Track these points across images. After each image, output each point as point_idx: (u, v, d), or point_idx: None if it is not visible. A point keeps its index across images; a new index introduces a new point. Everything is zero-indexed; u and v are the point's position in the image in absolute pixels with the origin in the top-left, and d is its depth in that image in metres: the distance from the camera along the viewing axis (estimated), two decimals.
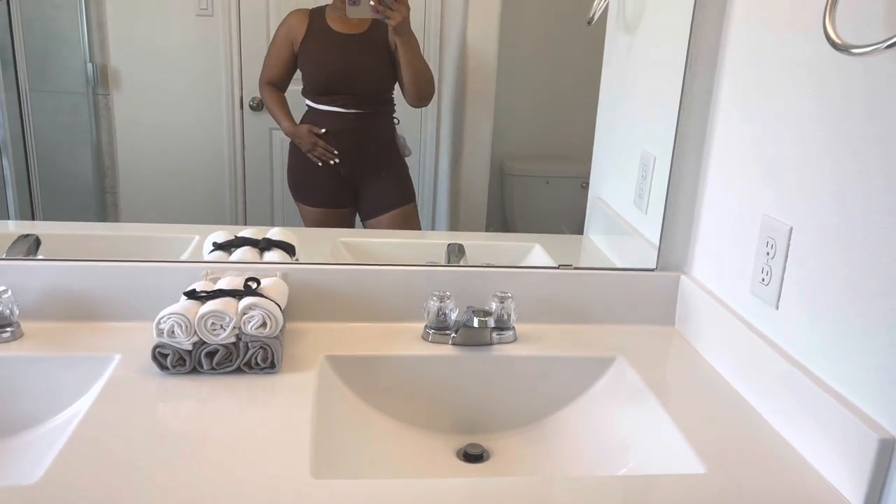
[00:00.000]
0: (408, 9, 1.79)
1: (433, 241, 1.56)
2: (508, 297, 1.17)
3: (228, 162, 2.49)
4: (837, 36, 0.65)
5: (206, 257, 1.26)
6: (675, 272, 1.22)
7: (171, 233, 1.60)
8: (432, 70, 2.00)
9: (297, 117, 2.14)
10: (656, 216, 1.20)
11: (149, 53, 2.37)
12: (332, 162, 2.00)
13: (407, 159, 2.14)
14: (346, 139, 2.01)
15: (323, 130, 1.98)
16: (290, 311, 1.21)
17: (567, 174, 2.65)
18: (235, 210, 2.57)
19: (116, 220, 2.55)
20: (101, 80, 2.40)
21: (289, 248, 1.33)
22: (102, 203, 2.53)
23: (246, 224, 2.64)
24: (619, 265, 1.33)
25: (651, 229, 1.22)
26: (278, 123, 2.06)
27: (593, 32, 1.50)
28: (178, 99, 2.41)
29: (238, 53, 2.39)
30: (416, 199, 2.13)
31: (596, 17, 1.33)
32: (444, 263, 1.36)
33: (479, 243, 1.56)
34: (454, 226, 2.46)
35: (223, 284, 1.13)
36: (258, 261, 1.29)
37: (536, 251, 1.48)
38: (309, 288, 1.25)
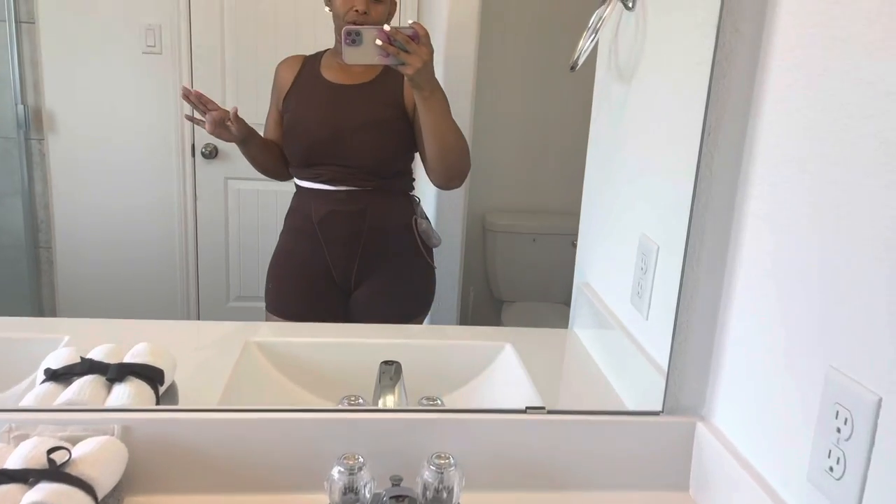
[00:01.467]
0: (430, 51, 1.25)
1: (371, 342, 1.23)
2: (451, 466, 0.76)
3: (178, 214, 2.24)
4: None
5: (35, 390, 0.87)
6: (688, 417, 0.88)
7: (26, 331, 1.24)
8: None
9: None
10: (660, 326, 0.89)
11: (89, 95, 2.13)
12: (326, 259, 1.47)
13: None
14: (334, 226, 1.46)
15: None
16: (137, 480, 0.78)
17: (556, 231, 2.41)
18: (186, 269, 2.32)
19: (52, 278, 2.29)
20: (34, 124, 2.16)
21: (152, 377, 0.88)
22: (35, 259, 2.28)
23: (198, 283, 2.39)
24: (614, 383, 1.01)
25: (654, 342, 0.92)
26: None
27: (584, 77, 1.21)
28: (122, 145, 2.16)
29: None
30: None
31: (580, 62, 1.06)
32: (361, 405, 0.94)
33: (433, 343, 1.24)
34: None
35: (24, 451, 0.70)
36: (88, 407, 0.81)
37: (506, 355, 1.17)
38: (167, 447, 0.80)
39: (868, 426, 0.57)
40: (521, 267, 2.41)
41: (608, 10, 1.06)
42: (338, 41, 1.43)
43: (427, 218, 1.58)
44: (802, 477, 0.66)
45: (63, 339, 1.08)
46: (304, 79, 1.46)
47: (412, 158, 1.51)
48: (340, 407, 0.87)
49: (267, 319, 1.53)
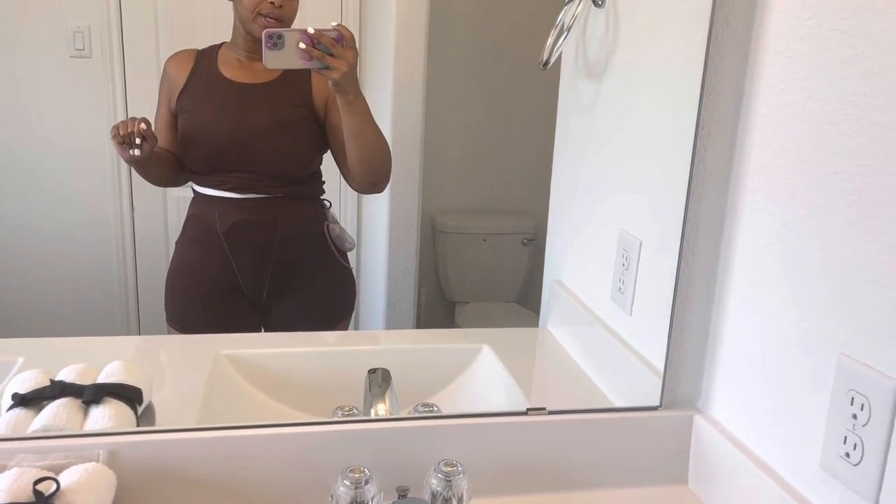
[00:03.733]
0: (355, 54, 1.21)
1: (345, 350, 1.19)
2: (459, 474, 0.73)
3: (115, 227, 2.14)
4: None
5: (4, 417, 0.77)
6: (686, 410, 0.87)
7: None
8: None
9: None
10: (646, 321, 0.90)
11: (13, 102, 2.00)
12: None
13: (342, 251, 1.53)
14: (243, 237, 1.37)
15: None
16: None
17: (506, 230, 2.41)
18: (125, 281, 2.21)
19: None
20: None
21: (131, 397, 0.82)
22: None
23: (138, 296, 2.29)
24: (596, 380, 1.01)
25: (640, 337, 0.93)
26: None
27: (537, 71, 1.20)
28: (52, 154, 2.05)
29: (123, 100, 2.05)
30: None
31: (552, 60, 1.06)
32: (356, 415, 0.92)
33: (412, 347, 1.21)
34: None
35: (6, 484, 0.65)
36: (68, 432, 0.75)
37: (485, 356, 1.15)
38: (157, 470, 0.75)
39: (887, 411, 0.58)
40: (472, 267, 2.41)
41: (579, 7, 1.06)
42: (240, 36, 1.35)
43: (337, 221, 1.50)
44: (815, 464, 0.67)
45: (17, 361, 1.01)
46: (201, 76, 1.37)
47: (322, 160, 1.44)
48: (337, 419, 0.84)
49: (168, 332, 1.43)
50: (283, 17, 1.30)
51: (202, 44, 1.50)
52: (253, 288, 1.40)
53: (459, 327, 2.27)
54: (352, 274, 1.56)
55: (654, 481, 0.86)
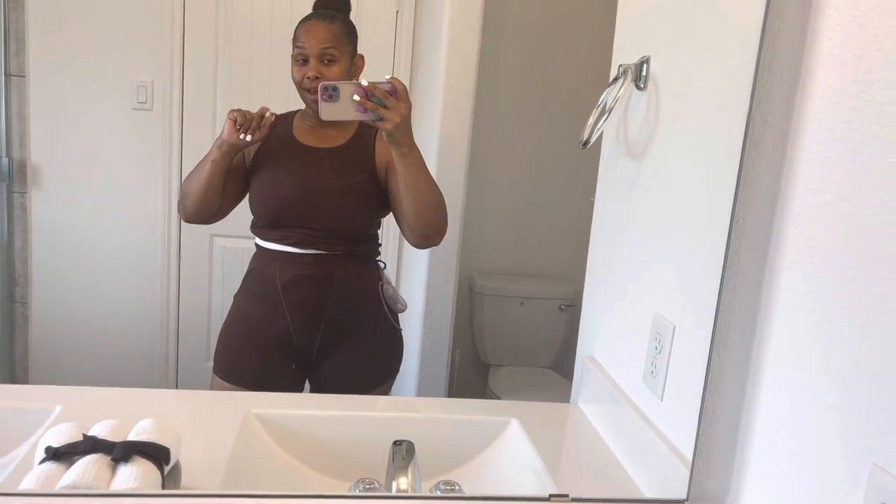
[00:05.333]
0: (408, 106, 1.22)
1: (373, 416, 1.18)
2: None
3: (161, 271, 2.20)
4: None
5: (35, 471, 0.81)
6: None
7: (13, 399, 1.16)
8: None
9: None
10: (678, 408, 0.88)
11: (76, 149, 2.10)
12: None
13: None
14: (300, 292, 1.40)
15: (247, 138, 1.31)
16: None
17: (544, 295, 2.42)
18: (167, 327, 2.26)
19: (26, 334, 2.22)
20: (17, 177, 2.12)
21: (159, 456, 0.83)
22: (10, 314, 2.21)
23: (178, 342, 2.34)
24: (625, 465, 0.99)
25: (672, 424, 0.91)
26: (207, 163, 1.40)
27: (575, 147, 1.21)
28: (107, 200, 2.13)
29: (179, 151, 2.14)
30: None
31: (592, 140, 1.07)
32: (376, 489, 0.89)
33: (438, 417, 1.20)
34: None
35: None
36: (94, 491, 0.75)
37: (513, 430, 1.14)
38: None
39: None
40: (508, 330, 2.41)
41: (622, 90, 1.07)
42: (308, 106, 1.40)
43: (391, 283, 1.52)
44: None
45: (55, 410, 1.04)
46: (276, 138, 1.41)
47: (380, 224, 1.48)
48: (358, 493, 0.84)
49: (212, 382, 1.45)
50: None
51: (260, 100, 1.57)
52: (304, 343, 1.43)
53: (492, 391, 2.26)
54: (401, 335, 1.56)
55: None
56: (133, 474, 0.79)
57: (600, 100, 1.09)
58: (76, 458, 0.80)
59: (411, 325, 2.05)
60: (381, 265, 1.50)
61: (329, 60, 1.35)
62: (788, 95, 0.74)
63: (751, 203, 0.78)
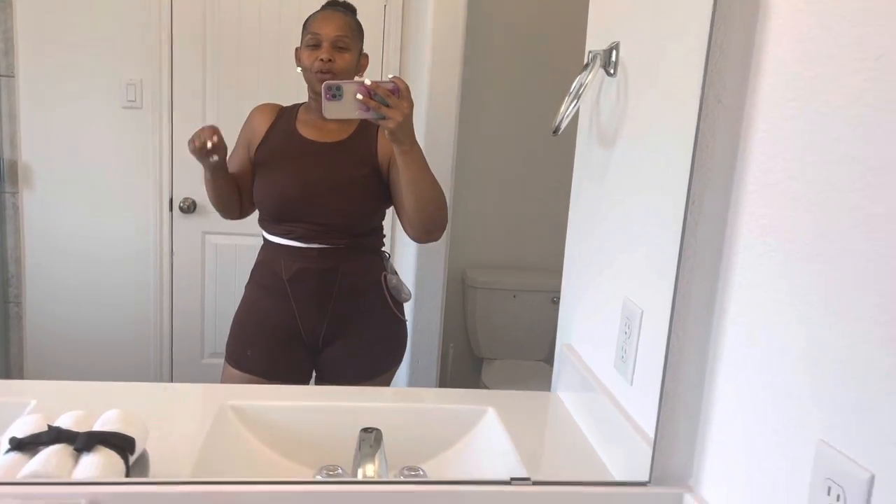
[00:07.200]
0: (410, 105, 1.26)
1: (349, 405, 1.18)
2: None
3: (154, 269, 2.21)
4: None
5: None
6: (676, 487, 0.85)
7: None
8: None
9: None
10: (646, 392, 0.88)
11: (66, 149, 2.11)
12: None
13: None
14: (305, 284, 1.43)
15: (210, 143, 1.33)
16: None
17: (536, 287, 2.41)
18: (160, 324, 2.27)
19: (20, 333, 2.24)
20: (8, 177, 2.14)
21: (123, 445, 0.83)
22: (4, 314, 2.23)
23: (172, 339, 2.35)
24: (599, 450, 0.99)
25: (639, 408, 0.91)
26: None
27: (564, 138, 1.21)
28: (100, 199, 2.14)
29: (169, 149, 2.15)
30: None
31: (562, 126, 1.07)
32: (340, 475, 0.90)
33: (413, 406, 1.20)
34: None
35: None
36: (55, 479, 0.75)
37: (488, 420, 1.14)
38: None
39: (861, 502, 0.56)
40: (501, 324, 2.40)
41: (590, 76, 1.07)
42: (311, 97, 1.43)
43: (396, 273, 1.55)
44: None
45: (30, 404, 1.04)
46: (279, 132, 1.44)
47: (384, 215, 1.50)
48: (319, 479, 0.84)
49: (224, 371, 1.48)
50: (336, 69, 1.38)
51: (249, 99, 1.57)
52: (311, 332, 1.46)
53: (485, 385, 2.25)
54: (405, 326, 1.58)
55: None
56: (95, 463, 0.79)
57: (572, 87, 1.09)
58: (40, 448, 0.81)
59: None
60: (386, 255, 1.53)
61: (341, 48, 1.39)
62: (741, 75, 0.74)
63: (706, 184, 0.78)
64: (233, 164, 1.43)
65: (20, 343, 2.22)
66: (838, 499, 0.58)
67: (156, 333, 2.32)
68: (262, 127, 1.46)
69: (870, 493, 0.56)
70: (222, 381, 1.47)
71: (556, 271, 2.57)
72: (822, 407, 0.62)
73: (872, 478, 0.56)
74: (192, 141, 1.36)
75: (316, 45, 1.38)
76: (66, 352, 2.22)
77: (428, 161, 2.01)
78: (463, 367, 2.45)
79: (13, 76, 2.04)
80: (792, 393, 0.66)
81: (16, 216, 2.16)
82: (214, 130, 1.35)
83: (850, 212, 0.59)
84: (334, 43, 1.38)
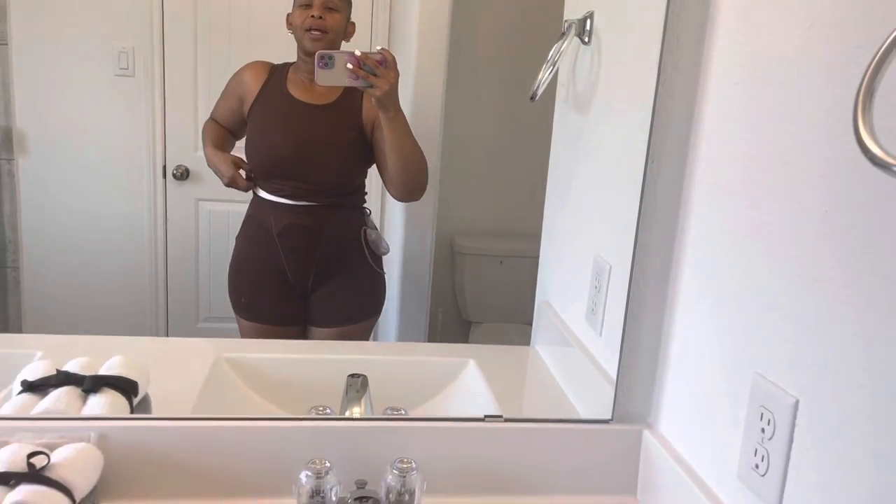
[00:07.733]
0: (396, 75, 1.37)
1: (338, 358, 1.26)
2: (412, 471, 0.80)
3: (148, 236, 2.26)
4: (880, 147, 0.44)
5: (12, 401, 0.87)
6: (636, 425, 0.92)
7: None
8: None
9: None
10: (613, 341, 0.95)
11: (60, 116, 2.15)
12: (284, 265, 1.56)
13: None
14: (293, 239, 1.55)
15: (242, 173, 1.53)
16: (112, 486, 0.82)
17: (524, 253, 2.46)
18: (155, 291, 2.32)
19: (18, 298, 2.29)
20: (3, 144, 2.17)
21: (127, 388, 0.90)
22: (2, 279, 2.28)
23: (167, 305, 2.40)
24: (570, 396, 1.07)
25: (607, 357, 0.98)
26: (203, 150, 1.63)
27: (550, 104, 1.27)
28: (93, 166, 2.18)
29: (162, 117, 2.18)
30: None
31: (539, 92, 1.12)
32: (328, 414, 0.96)
33: (399, 359, 1.28)
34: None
35: (5, 456, 0.73)
36: (65, 415, 0.82)
37: (469, 371, 1.21)
38: (142, 453, 0.82)
39: (787, 425, 0.63)
40: (488, 288, 2.46)
41: (565, 44, 1.13)
42: (300, 57, 1.51)
43: (376, 228, 1.68)
44: (733, 475, 0.72)
45: (36, 354, 1.11)
46: (271, 91, 1.53)
47: (366, 174, 1.61)
48: (307, 416, 0.91)
49: (237, 320, 1.61)
50: (327, 27, 1.47)
51: (239, 63, 1.62)
52: (299, 281, 1.59)
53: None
54: (383, 279, 1.73)
55: (605, 491, 0.91)
56: (102, 403, 0.86)
57: (549, 54, 1.14)
58: (50, 389, 0.87)
59: (391, 287, 2.12)
60: (367, 212, 1.65)
61: (331, 8, 1.46)
62: (697, 42, 0.80)
63: (664, 145, 0.84)
64: (224, 116, 1.57)
65: (18, 308, 2.28)
66: (769, 423, 0.65)
67: (151, 299, 2.38)
68: (254, 85, 1.55)
69: (794, 416, 0.63)
70: (240, 332, 1.61)
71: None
72: (757, 344, 0.69)
73: (797, 402, 0.63)
74: (223, 179, 1.56)
75: (307, 5, 1.45)
76: (63, 316, 2.27)
77: (415, 129, 2.06)
78: (451, 331, 2.52)
79: (6, 44, 2.07)
80: (735, 332, 0.73)
81: (11, 183, 2.20)
82: (236, 174, 1.53)
83: (782, 167, 0.66)
84: (325, 3, 1.45)
